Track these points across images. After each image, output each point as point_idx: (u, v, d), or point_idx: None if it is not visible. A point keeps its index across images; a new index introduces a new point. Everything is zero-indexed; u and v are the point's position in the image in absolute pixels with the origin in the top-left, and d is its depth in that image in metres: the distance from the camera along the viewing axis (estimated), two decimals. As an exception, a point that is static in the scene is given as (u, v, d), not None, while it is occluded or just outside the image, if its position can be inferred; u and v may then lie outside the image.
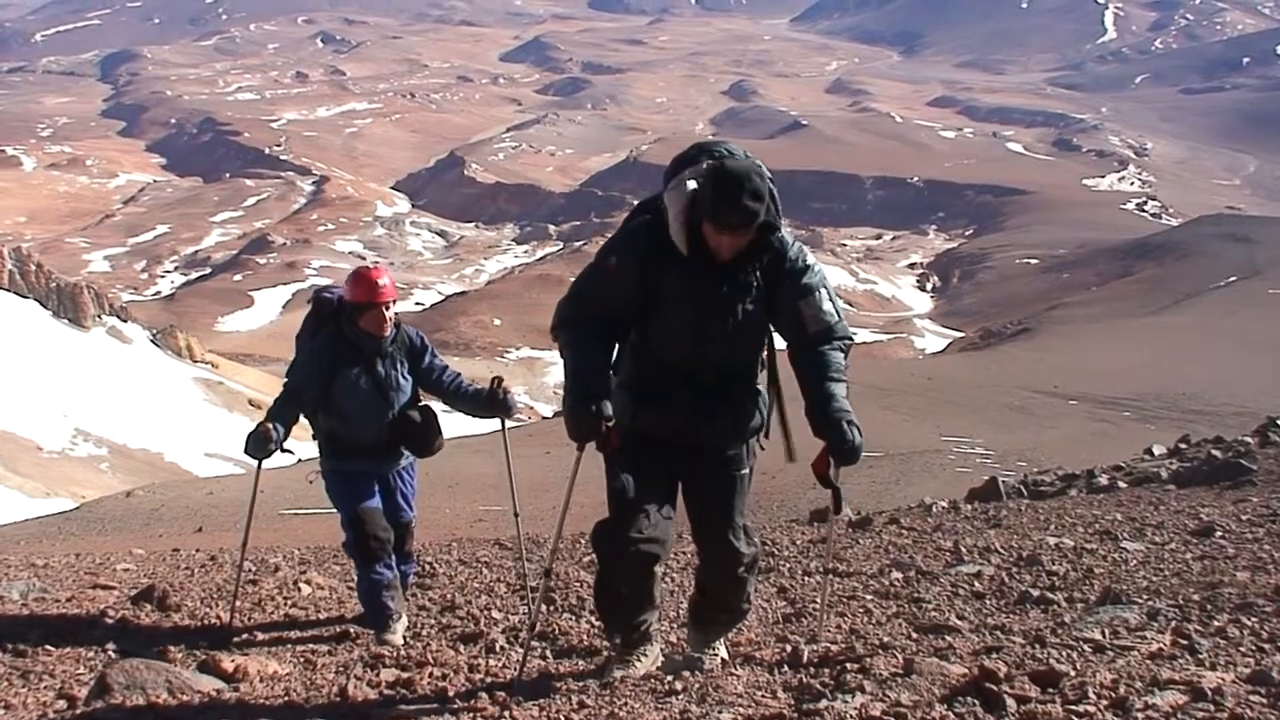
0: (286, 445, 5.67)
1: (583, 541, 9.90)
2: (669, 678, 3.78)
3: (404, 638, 5.81)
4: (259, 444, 5.54)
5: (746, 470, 4.23)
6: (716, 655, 4.35)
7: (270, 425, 5.55)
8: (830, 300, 4.02)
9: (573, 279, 4.17)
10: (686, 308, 3.94)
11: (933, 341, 79.27)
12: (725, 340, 4.01)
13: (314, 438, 5.93)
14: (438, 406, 6.07)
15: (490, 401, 5.91)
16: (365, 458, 5.85)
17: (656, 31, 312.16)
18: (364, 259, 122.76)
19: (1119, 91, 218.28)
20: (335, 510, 5.90)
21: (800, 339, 4.00)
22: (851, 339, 4.13)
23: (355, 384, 5.71)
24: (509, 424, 6.42)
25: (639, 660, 4.08)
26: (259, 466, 5.92)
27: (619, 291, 4.00)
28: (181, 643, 5.76)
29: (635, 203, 4.42)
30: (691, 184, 3.92)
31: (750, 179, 3.77)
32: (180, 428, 52.39)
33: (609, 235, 4.52)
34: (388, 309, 5.67)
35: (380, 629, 5.76)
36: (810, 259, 4.04)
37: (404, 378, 5.87)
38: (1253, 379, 30.63)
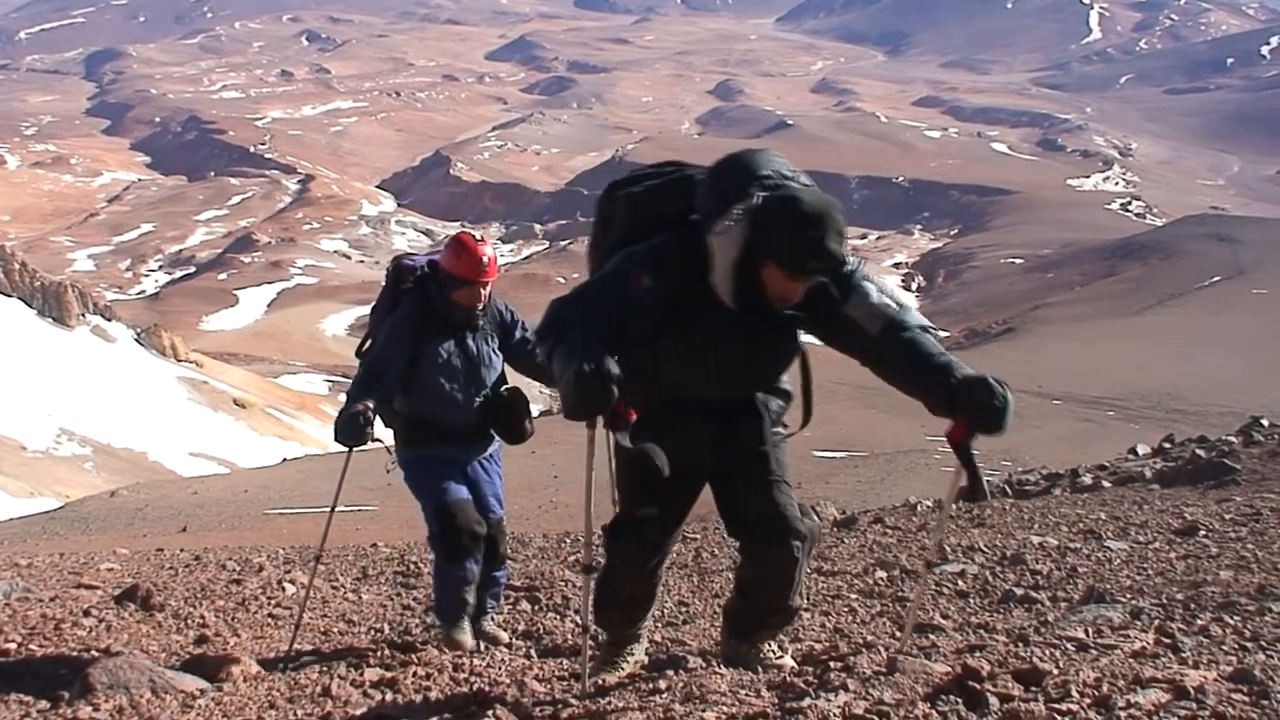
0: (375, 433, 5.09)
1: (568, 541, 9.91)
2: (653, 676, 3.78)
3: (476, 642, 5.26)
4: (353, 429, 4.91)
5: (777, 437, 3.75)
6: (783, 654, 3.96)
7: (364, 405, 4.94)
8: (880, 291, 3.45)
9: (563, 280, 3.45)
10: (727, 352, 3.45)
11: (918, 341, 79.41)
12: (766, 373, 3.63)
13: (387, 425, 5.29)
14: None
15: None
16: (451, 444, 5.23)
17: (642, 30, 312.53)
18: (349, 258, 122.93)
19: (1103, 92, 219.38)
20: (419, 501, 5.26)
21: (868, 347, 3.41)
22: (930, 326, 3.47)
23: (445, 360, 5.12)
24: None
25: (624, 660, 4.03)
26: (349, 454, 5.22)
27: (636, 317, 3.37)
28: (165, 642, 5.74)
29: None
30: (742, 224, 3.28)
31: (831, 216, 3.25)
32: (164, 427, 52.29)
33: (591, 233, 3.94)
34: (486, 287, 5.12)
35: (450, 623, 5.16)
36: (849, 258, 3.46)
37: (495, 353, 5.29)
38: (1237, 379, 30.82)
